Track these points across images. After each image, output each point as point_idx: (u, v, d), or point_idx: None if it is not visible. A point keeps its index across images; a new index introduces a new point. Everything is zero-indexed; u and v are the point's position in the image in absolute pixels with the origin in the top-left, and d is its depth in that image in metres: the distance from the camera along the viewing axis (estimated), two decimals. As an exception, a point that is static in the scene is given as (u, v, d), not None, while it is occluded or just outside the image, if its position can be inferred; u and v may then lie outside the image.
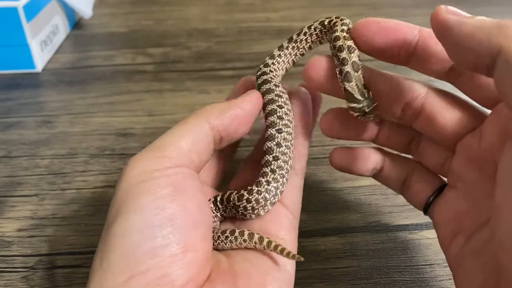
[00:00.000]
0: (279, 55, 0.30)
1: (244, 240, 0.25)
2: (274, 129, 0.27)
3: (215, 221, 0.27)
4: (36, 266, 0.31)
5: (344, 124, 0.29)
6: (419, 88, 0.26)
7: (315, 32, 0.29)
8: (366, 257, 0.31)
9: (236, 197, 0.26)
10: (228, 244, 0.25)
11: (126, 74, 0.54)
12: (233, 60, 0.57)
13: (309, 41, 0.30)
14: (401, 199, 0.33)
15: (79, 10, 0.63)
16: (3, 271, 0.31)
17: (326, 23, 0.28)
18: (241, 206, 0.26)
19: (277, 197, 0.26)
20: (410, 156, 0.30)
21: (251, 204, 0.26)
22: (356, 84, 0.26)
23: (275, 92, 0.28)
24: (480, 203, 0.24)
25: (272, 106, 0.27)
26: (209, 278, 0.23)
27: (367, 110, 0.26)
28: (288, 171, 0.27)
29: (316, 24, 0.29)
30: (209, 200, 0.27)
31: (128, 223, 0.21)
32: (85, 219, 0.34)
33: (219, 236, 0.25)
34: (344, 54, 0.26)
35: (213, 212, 0.27)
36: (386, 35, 0.25)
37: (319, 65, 0.27)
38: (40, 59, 0.54)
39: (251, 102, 0.27)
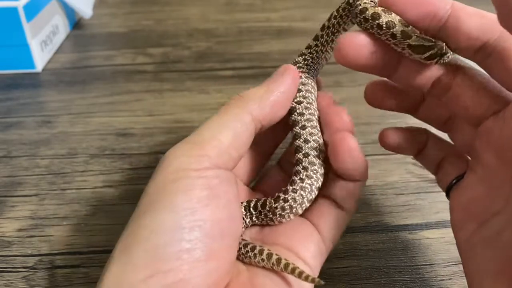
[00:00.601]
0: (316, 45, 0.30)
1: (262, 260, 0.24)
2: (297, 127, 0.27)
3: (243, 227, 0.27)
4: (36, 266, 0.31)
5: (389, 94, 0.29)
6: (449, 66, 0.26)
7: (344, 13, 0.28)
8: (366, 257, 0.31)
9: (272, 200, 0.26)
10: (247, 259, 0.25)
11: (126, 74, 0.54)
12: (233, 60, 0.57)
13: (341, 23, 0.29)
14: (401, 199, 0.33)
15: (79, 10, 0.63)
16: (3, 271, 0.31)
17: (351, 1, 0.27)
18: (278, 207, 0.26)
19: (313, 193, 0.26)
20: (450, 141, 0.30)
21: (288, 203, 0.26)
22: (417, 36, 0.24)
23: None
24: (496, 191, 0.24)
25: (291, 104, 0.27)
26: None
27: (443, 51, 0.24)
28: (322, 165, 0.26)
29: (343, 4, 0.28)
30: (241, 203, 0.26)
31: (159, 220, 0.21)
32: (85, 219, 0.34)
33: (240, 248, 0.25)
34: (384, 18, 0.24)
35: (243, 219, 0.27)
36: (417, 8, 0.24)
37: (355, 41, 0.25)
38: (40, 59, 0.54)
39: (287, 81, 0.26)
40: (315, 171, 0.26)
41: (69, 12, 0.63)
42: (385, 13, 0.24)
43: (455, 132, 0.29)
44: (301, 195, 0.26)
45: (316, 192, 0.26)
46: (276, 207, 0.26)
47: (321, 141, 0.27)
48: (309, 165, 0.26)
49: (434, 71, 0.25)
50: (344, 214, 0.27)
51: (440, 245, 0.32)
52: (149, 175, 0.29)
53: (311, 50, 0.29)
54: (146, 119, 0.46)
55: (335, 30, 0.29)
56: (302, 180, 0.26)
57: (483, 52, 0.24)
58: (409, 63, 0.25)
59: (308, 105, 0.27)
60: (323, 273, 0.30)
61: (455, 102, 0.26)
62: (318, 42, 0.29)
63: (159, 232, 0.20)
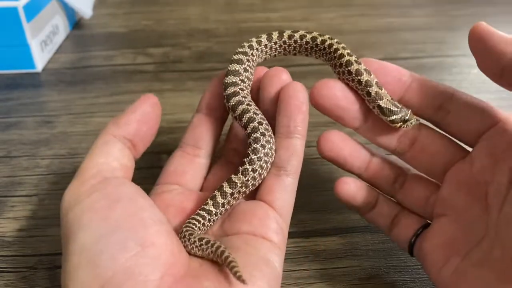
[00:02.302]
0: (250, 57, 0.33)
1: (212, 252, 0.24)
2: (242, 105, 0.29)
3: (210, 222, 0.28)
4: (36, 266, 0.31)
5: (342, 143, 0.30)
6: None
7: (303, 43, 0.32)
8: (366, 257, 0.31)
9: (240, 176, 0.27)
10: (199, 252, 0.25)
11: (126, 74, 0.54)
12: (233, 60, 0.57)
13: (291, 48, 0.32)
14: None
15: (79, 10, 0.63)
16: (3, 271, 0.31)
17: (318, 42, 0.31)
18: (249, 179, 0.27)
19: (273, 156, 0.28)
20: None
21: (257, 172, 0.27)
22: (388, 99, 0.28)
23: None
24: (473, 224, 0.26)
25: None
26: (194, 275, 0.23)
27: (407, 117, 0.28)
28: (272, 137, 0.28)
29: (307, 37, 0.31)
30: (206, 204, 0.27)
31: (80, 241, 0.22)
32: (85, 219, 0.34)
33: (194, 241, 0.25)
34: (365, 77, 0.28)
35: (211, 215, 0.27)
36: (387, 74, 0.29)
37: (330, 90, 0.29)
38: (40, 59, 0.54)
39: (145, 105, 0.29)
40: (271, 136, 0.28)
41: (69, 12, 0.63)
42: (366, 72, 0.28)
43: (407, 191, 0.30)
44: (265, 161, 0.27)
45: (274, 155, 0.28)
46: (248, 180, 0.27)
47: (267, 125, 0.29)
48: (266, 131, 0.28)
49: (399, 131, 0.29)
50: (290, 179, 0.28)
51: (440, 245, 0.32)
52: (149, 175, 0.29)
53: (248, 59, 0.32)
54: (146, 119, 0.46)
55: (281, 51, 0.33)
56: (263, 146, 0.27)
57: (443, 109, 0.28)
58: (379, 119, 0.29)
59: (246, 94, 0.30)
60: (323, 273, 0.30)
61: (421, 153, 0.29)
62: (252, 54, 0.33)
63: (86, 248, 0.22)
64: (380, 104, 0.28)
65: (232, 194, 0.27)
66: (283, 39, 0.32)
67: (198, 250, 0.25)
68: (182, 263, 0.24)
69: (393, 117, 0.28)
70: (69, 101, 0.49)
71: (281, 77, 0.29)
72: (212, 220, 0.27)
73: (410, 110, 0.28)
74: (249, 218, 0.27)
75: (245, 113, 0.28)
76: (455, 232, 0.27)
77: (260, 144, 0.27)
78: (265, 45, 0.33)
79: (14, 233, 0.33)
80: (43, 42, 0.55)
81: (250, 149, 0.27)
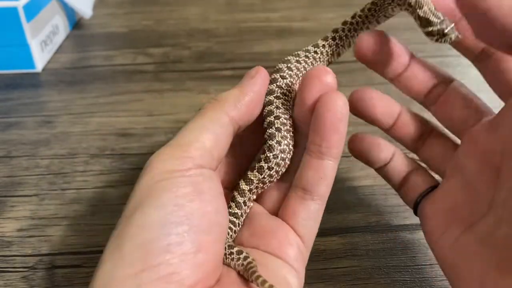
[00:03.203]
0: (330, 43, 0.32)
1: (242, 264, 0.24)
2: (264, 112, 0.27)
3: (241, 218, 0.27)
4: (36, 266, 0.31)
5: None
6: (446, 76, 0.29)
7: (369, 13, 0.32)
8: (366, 257, 0.31)
9: (256, 173, 0.26)
10: (227, 261, 0.25)
11: (126, 74, 0.54)
12: (233, 60, 0.57)
13: (365, 22, 0.32)
14: (401, 199, 0.33)
15: (79, 10, 0.63)
16: (3, 271, 0.31)
17: None
18: (266, 176, 0.26)
19: (291, 152, 0.27)
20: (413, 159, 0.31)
21: (274, 170, 0.26)
22: (429, 8, 0.26)
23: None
24: (479, 195, 0.25)
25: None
26: (218, 283, 0.23)
27: (446, 31, 0.25)
28: (292, 126, 0.27)
29: (368, 5, 0.31)
30: (230, 207, 0.27)
31: (147, 217, 0.21)
32: (85, 219, 0.34)
33: (225, 248, 0.25)
34: None
35: (238, 219, 0.27)
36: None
37: (375, 37, 0.29)
38: (40, 59, 0.54)
39: (259, 82, 0.27)
40: (288, 131, 0.26)
41: (69, 12, 0.63)
42: None
43: (427, 148, 0.30)
44: (282, 158, 0.26)
45: (292, 150, 0.27)
46: (264, 177, 0.26)
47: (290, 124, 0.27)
48: (282, 126, 0.26)
49: (431, 80, 0.29)
50: (316, 205, 0.27)
51: (440, 245, 0.32)
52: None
53: (317, 50, 0.31)
54: (146, 119, 0.46)
55: (358, 27, 0.32)
56: (279, 142, 0.26)
57: (484, 53, 0.27)
58: (415, 69, 0.29)
59: (279, 106, 0.28)
60: (323, 273, 0.30)
61: (443, 109, 0.28)
62: (336, 35, 0.32)
63: (147, 228, 0.21)
64: (419, 13, 0.26)
65: (250, 190, 0.27)
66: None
67: (226, 259, 0.24)
68: (217, 274, 0.23)
69: (430, 28, 0.25)
70: (69, 101, 0.49)
71: (324, 79, 0.25)
72: (240, 223, 0.27)
73: (453, 24, 0.25)
74: (268, 237, 0.26)
75: (266, 106, 0.27)
76: (460, 199, 0.26)
77: (275, 141, 0.26)
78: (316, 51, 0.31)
79: (14, 233, 0.33)
80: (43, 42, 0.55)
81: (266, 146, 0.26)
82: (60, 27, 0.60)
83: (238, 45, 0.60)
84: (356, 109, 0.30)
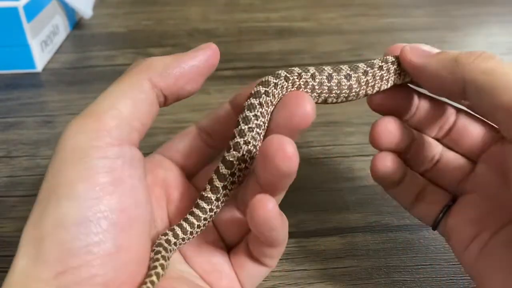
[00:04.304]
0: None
1: (151, 260, 0.23)
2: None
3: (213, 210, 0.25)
4: (36, 266, 0.31)
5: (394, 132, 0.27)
6: (452, 109, 0.28)
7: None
8: (366, 257, 0.31)
9: (233, 152, 0.24)
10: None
11: (126, 74, 0.54)
12: (233, 60, 0.57)
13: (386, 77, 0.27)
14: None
15: (79, 10, 0.63)
16: (3, 271, 0.30)
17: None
18: (245, 153, 0.24)
19: (264, 130, 0.24)
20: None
21: (251, 145, 0.24)
22: None
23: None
24: (504, 204, 0.25)
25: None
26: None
27: None
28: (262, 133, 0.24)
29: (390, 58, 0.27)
30: (204, 190, 0.24)
31: (62, 211, 0.19)
32: (85, 219, 0.34)
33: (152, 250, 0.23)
34: None
35: (211, 204, 0.24)
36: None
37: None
38: (40, 59, 0.54)
39: (201, 57, 0.24)
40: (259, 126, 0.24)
41: (69, 12, 0.63)
42: None
43: (441, 170, 0.29)
44: (258, 132, 0.24)
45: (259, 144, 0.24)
46: (243, 154, 0.24)
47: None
48: (256, 119, 0.24)
49: (442, 117, 0.28)
50: (265, 269, 0.26)
51: (440, 245, 0.32)
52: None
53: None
54: (146, 119, 0.46)
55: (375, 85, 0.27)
56: (256, 116, 0.24)
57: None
58: (426, 107, 0.28)
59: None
60: (323, 273, 0.30)
61: (461, 134, 0.28)
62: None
63: (65, 226, 0.19)
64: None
65: (232, 174, 0.24)
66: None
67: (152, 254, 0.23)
68: (142, 273, 0.22)
69: None
70: (69, 101, 0.49)
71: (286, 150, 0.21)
72: (212, 212, 0.24)
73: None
74: (214, 277, 0.26)
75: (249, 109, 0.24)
76: (485, 208, 0.26)
77: (252, 114, 0.24)
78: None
79: (14, 233, 0.33)
80: (43, 42, 0.55)
81: (240, 118, 0.24)
82: (60, 27, 0.60)
83: (238, 45, 0.60)
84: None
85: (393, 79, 0.27)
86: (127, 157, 0.22)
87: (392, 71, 0.27)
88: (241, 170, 0.24)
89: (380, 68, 0.26)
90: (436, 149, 0.29)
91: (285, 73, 0.25)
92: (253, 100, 0.24)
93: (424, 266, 0.31)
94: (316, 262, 0.31)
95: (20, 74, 0.53)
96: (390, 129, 0.27)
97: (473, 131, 0.28)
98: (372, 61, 0.26)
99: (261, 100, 0.24)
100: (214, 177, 0.24)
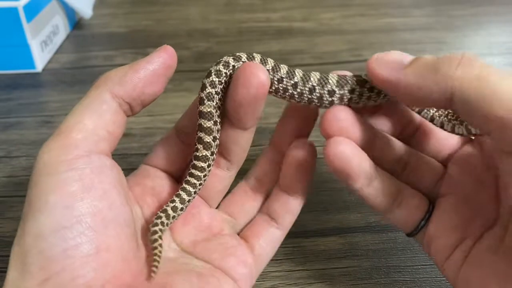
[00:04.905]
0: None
1: (151, 232, 0.24)
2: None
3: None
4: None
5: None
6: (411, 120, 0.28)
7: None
8: (366, 257, 0.31)
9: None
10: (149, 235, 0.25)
11: (126, 74, 0.54)
12: (233, 60, 0.57)
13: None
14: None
15: (79, 10, 0.63)
16: (3, 271, 0.30)
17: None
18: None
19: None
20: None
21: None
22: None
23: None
24: (483, 207, 0.25)
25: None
26: (136, 278, 0.23)
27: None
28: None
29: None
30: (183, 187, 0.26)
31: (38, 224, 0.21)
32: (85, 219, 0.34)
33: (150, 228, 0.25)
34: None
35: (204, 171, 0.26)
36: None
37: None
38: (40, 59, 0.54)
39: (157, 60, 0.25)
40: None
41: (69, 12, 0.63)
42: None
43: (413, 172, 0.28)
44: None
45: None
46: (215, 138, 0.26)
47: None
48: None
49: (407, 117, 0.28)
50: (279, 233, 0.28)
51: (440, 245, 0.32)
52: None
53: None
54: (146, 119, 0.46)
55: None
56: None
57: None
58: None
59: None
60: (323, 273, 0.30)
61: (427, 135, 0.27)
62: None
63: (41, 236, 0.21)
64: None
65: (215, 139, 0.26)
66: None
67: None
68: (133, 271, 0.23)
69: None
70: (69, 101, 0.49)
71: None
72: (203, 180, 0.26)
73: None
74: (224, 254, 0.26)
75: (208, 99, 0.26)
76: (466, 212, 0.25)
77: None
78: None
79: (14, 233, 0.33)
80: (43, 42, 0.55)
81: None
82: (60, 27, 0.60)
83: (238, 45, 0.60)
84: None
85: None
86: (95, 166, 0.23)
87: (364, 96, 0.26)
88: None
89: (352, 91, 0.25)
90: (401, 149, 0.27)
91: (245, 56, 0.26)
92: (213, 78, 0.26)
93: (424, 266, 0.31)
94: (316, 262, 0.31)
95: (20, 74, 0.53)
96: (339, 116, 0.25)
97: (440, 133, 0.27)
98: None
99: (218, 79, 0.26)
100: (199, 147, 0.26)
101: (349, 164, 0.24)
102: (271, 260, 0.31)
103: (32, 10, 0.51)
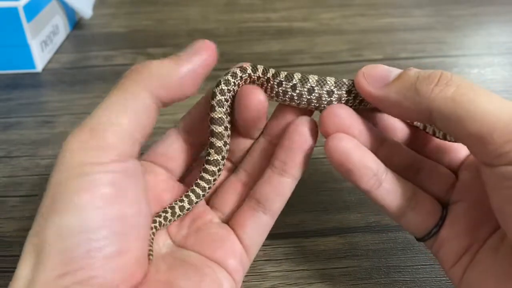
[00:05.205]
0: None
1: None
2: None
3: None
4: (36, 266, 0.31)
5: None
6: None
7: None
8: (366, 257, 0.31)
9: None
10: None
11: (126, 74, 0.54)
12: (233, 60, 0.56)
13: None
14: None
15: (79, 10, 0.63)
16: (3, 271, 0.31)
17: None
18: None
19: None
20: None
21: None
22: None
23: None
24: (490, 211, 0.24)
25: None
26: (145, 279, 0.23)
27: None
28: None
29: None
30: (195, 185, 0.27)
31: (64, 223, 0.20)
32: (85, 219, 0.34)
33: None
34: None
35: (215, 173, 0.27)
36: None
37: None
38: (40, 59, 0.54)
39: (200, 58, 0.24)
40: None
41: (69, 12, 0.63)
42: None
43: (426, 178, 0.28)
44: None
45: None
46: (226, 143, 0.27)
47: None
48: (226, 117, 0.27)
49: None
50: (266, 219, 0.27)
51: (440, 245, 0.32)
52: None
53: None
54: (146, 119, 0.46)
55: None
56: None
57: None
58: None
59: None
60: (323, 273, 0.30)
61: (438, 146, 0.28)
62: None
63: (67, 235, 0.20)
64: None
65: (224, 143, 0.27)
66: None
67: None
68: (142, 270, 0.23)
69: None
70: (69, 101, 0.49)
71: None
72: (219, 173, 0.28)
73: None
74: (214, 247, 0.26)
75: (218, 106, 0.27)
76: (475, 217, 0.25)
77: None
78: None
79: (14, 233, 0.33)
80: (43, 42, 0.55)
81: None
82: (60, 27, 0.60)
83: (238, 45, 0.60)
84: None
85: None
86: (129, 170, 0.22)
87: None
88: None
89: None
90: (412, 154, 0.28)
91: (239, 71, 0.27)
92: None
93: (424, 266, 0.31)
94: (316, 262, 0.31)
95: (20, 74, 0.53)
96: (338, 113, 0.25)
97: (452, 144, 0.28)
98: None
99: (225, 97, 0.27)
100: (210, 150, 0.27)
101: (349, 158, 0.24)
102: (271, 260, 0.31)
103: (32, 10, 0.51)
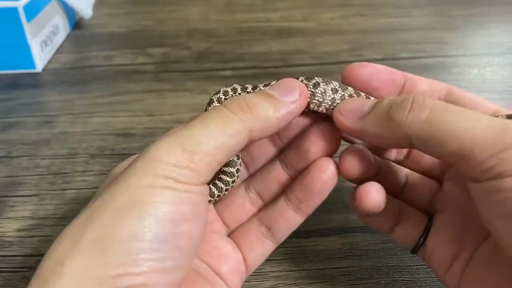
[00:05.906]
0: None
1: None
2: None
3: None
4: (35, 266, 0.31)
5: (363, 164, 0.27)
6: None
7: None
8: (366, 257, 0.31)
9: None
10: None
11: (126, 74, 0.54)
12: (233, 60, 0.57)
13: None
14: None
15: (79, 10, 0.63)
16: (3, 271, 0.31)
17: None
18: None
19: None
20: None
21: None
22: None
23: None
24: (477, 220, 0.25)
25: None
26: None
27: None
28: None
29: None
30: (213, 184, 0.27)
31: (142, 226, 0.21)
32: (85, 219, 0.34)
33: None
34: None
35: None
36: (380, 76, 0.28)
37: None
38: (40, 59, 0.54)
39: (295, 106, 0.25)
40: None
41: (69, 12, 0.63)
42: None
43: (411, 193, 0.29)
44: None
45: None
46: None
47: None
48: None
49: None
50: (273, 246, 0.28)
51: (440, 245, 0.32)
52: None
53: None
54: (146, 119, 0.46)
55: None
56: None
57: None
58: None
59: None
60: (323, 273, 0.30)
61: (421, 154, 0.28)
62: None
63: (139, 238, 0.21)
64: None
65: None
66: None
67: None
68: (180, 281, 0.24)
69: None
70: (69, 101, 0.49)
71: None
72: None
73: None
74: (221, 260, 0.27)
75: None
76: (460, 225, 0.26)
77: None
78: None
79: (14, 233, 0.33)
80: (43, 42, 0.55)
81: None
82: (60, 27, 0.60)
83: (238, 45, 0.60)
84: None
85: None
86: (205, 195, 0.24)
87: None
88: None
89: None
90: (401, 172, 0.29)
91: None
92: None
93: (424, 266, 0.31)
94: (316, 262, 0.31)
95: (20, 74, 0.53)
96: (354, 162, 0.26)
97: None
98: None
99: None
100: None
101: (379, 209, 0.26)
102: (271, 260, 0.31)
103: (32, 10, 0.51)
